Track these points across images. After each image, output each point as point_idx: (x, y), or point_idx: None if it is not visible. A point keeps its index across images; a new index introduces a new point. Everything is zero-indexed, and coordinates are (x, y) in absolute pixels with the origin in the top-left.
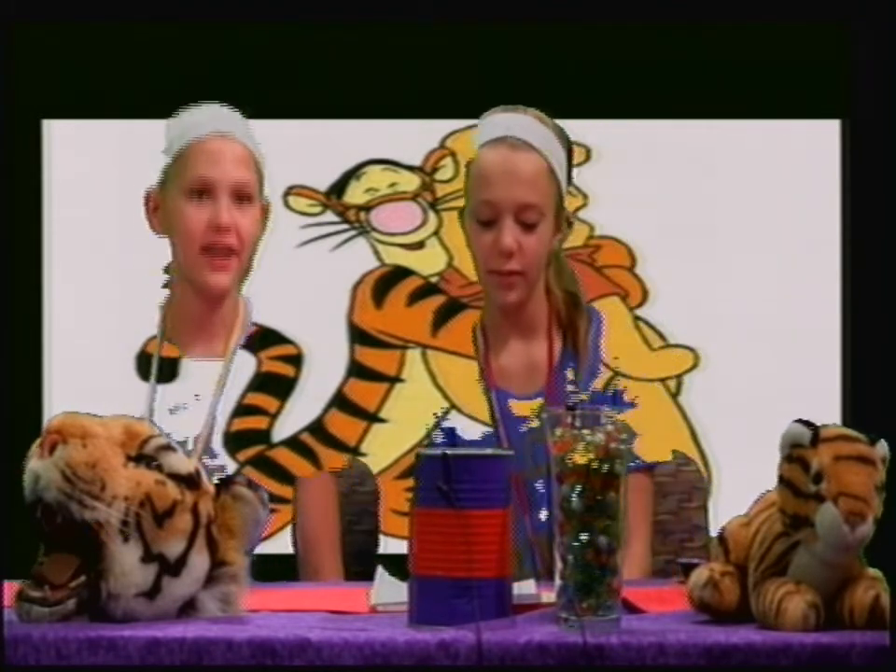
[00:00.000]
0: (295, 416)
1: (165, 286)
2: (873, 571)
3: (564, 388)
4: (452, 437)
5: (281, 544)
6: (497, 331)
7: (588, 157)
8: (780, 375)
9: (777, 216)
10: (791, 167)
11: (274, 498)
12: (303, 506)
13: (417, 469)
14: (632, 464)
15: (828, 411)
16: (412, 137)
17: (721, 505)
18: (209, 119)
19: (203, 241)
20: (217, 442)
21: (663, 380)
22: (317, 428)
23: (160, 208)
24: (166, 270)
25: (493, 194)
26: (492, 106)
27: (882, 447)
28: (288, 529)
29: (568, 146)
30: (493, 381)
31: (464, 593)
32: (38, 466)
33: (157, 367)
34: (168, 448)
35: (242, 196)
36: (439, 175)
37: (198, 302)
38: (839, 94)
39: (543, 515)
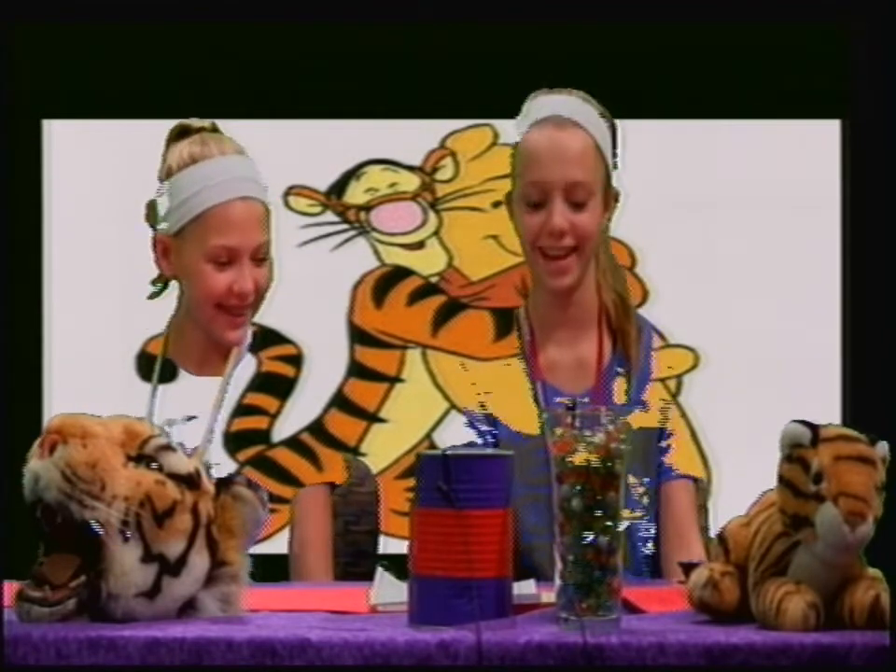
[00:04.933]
0: (295, 416)
1: (153, 296)
2: (873, 571)
3: (612, 391)
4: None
5: (281, 544)
6: (544, 321)
7: None
8: (780, 375)
9: (778, 215)
10: (791, 167)
11: (274, 498)
12: (297, 519)
13: (417, 469)
14: (672, 473)
15: (828, 411)
16: (412, 137)
17: (721, 505)
18: (231, 181)
19: (223, 302)
20: (216, 448)
21: (663, 380)
22: (317, 428)
23: (171, 254)
24: (154, 281)
25: (541, 174)
26: (492, 106)
27: (882, 447)
28: (288, 530)
29: (612, 125)
30: (539, 373)
31: (464, 593)
32: (38, 466)
33: (155, 384)
34: (168, 448)
35: (259, 257)
36: (439, 175)
37: (202, 335)
38: (839, 94)
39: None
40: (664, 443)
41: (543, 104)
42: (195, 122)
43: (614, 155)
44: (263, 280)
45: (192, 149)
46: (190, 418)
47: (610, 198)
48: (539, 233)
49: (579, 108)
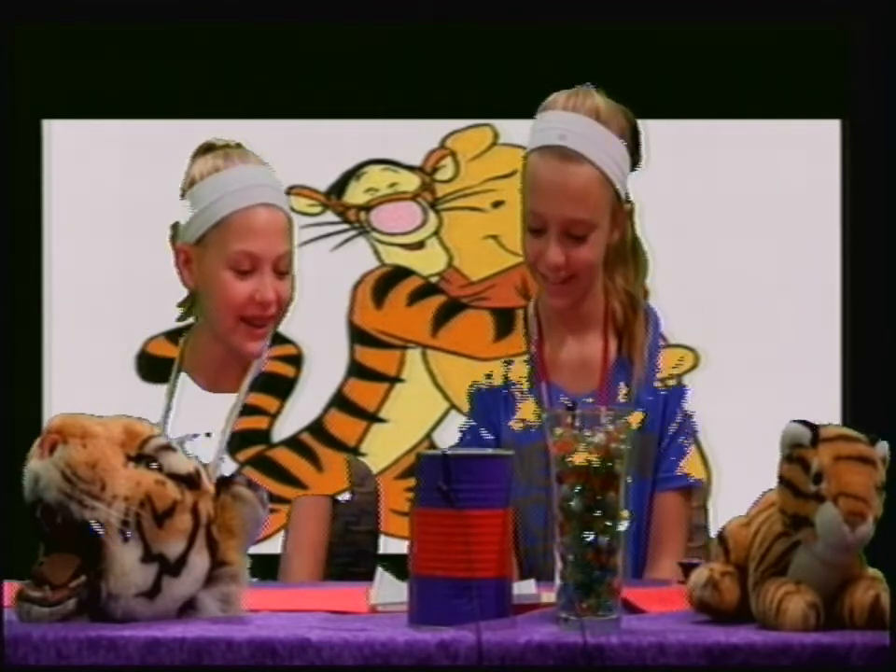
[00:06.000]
0: (295, 416)
1: (180, 319)
2: (873, 571)
3: (616, 392)
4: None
5: (281, 544)
6: (550, 321)
7: None
8: (780, 375)
9: (778, 216)
10: (791, 167)
11: (274, 498)
12: (293, 524)
13: (417, 469)
14: (675, 481)
15: (828, 411)
16: (412, 137)
17: (721, 505)
18: (253, 187)
19: (244, 312)
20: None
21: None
22: (317, 428)
23: (192, 264)
24: (181, 304)
25: (541, 207)
26: (492, 106)
27: (882, 447)
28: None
29: (633, 129)
30: (545, 372)
31: (464, 593)
32: (38, 466)
33: (170, 397)
34: (168, 448)
35: (282, 268)
36: (439, 175)
37: (220, 349)
38: (839, 94)
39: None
40: (663, 447)
41: (553, 124)
42: (219, 141)
43: (636, 160)
44: (285, 293)
45: (216, 161)
46: (200, 435)
47: (621, 215)
48: (537, 259)
49: (589, 134)
